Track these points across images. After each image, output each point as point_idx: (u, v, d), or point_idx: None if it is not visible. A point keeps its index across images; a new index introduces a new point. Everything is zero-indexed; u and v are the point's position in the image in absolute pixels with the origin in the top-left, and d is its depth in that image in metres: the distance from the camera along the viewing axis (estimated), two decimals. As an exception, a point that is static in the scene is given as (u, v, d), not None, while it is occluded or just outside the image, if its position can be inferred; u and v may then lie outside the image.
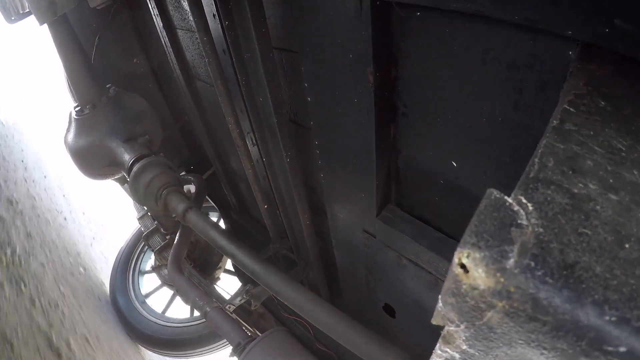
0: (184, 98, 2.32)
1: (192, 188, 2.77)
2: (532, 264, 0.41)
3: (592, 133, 0.52)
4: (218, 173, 2.68)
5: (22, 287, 2.10)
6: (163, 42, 2.11)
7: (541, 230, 0.43)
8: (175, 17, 2.00)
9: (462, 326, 0.46)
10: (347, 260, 1.79)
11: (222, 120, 1.80)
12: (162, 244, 2.79)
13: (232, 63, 1.55)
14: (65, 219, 3.77)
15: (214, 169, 2.77)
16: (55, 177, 4.28)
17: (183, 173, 2.99)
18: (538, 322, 0.40)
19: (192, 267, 2.83)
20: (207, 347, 3.25)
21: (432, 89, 1.02)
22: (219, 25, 1.44)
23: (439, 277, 1.30)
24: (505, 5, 0.69)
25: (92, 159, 2.27)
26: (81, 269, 3.34)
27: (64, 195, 4.22)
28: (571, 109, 0.56)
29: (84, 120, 2.21)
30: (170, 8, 1.98)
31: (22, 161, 3.41)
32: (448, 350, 0.51)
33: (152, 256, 2.99)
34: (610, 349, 0.37)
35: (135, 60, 2.57)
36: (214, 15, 1.43)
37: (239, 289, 2.54)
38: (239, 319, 2.27)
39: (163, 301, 3.57)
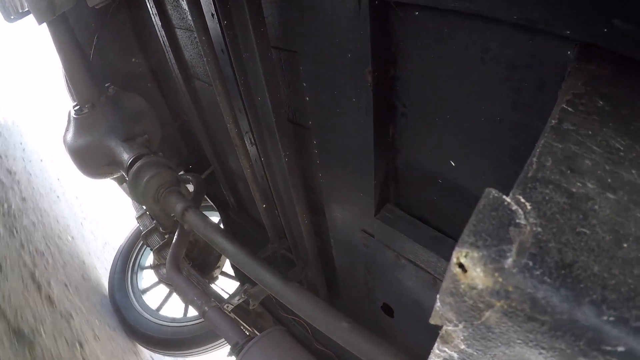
0: (183, 97, 2.31)
1: (190, 187, 2.77)
2: (530, 263, 0.41)
3: (590, 133, 0.52)
4: (216, 172, 2.68)
5: (14, 232, 2.37)
6: (162, 42, 2.11)
7: (539, 229, 0.43)
8: (173, 16, 2.00)
9: (461, 326, 0.46)
10: (345, 260, 1.78)
11: (220, 119, 1.80)
12: (161, 243, 2.79)
13: (231, 62, 1.54)
14: (57, 197, 4.01)
15: (212, 169, 2.77)
16: (52, 164, 4.47)
17: (181, 172, 2.98)
18: (536, 321, 0.40)
19: (191, 266, 2.82)
20: (206, 347, 3.25)
21: (431, 89, 1.01)
22: (218, 25, 1.44)
23: (437, 277, 1.30)
24: (504, 5, 0.69)
25: (91, 159, 2.27)
26: (69, 237, 3.55)
27: (58, 179, 4.43)
28: (569, 109, 0.56)
29: (83, 120, 2.20)
30: (168, 7, 1.98)
31: (21, 143, 3.68)
32: (446, 349, 0.51)
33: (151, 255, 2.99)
34: (608, 348, 0.37)
35: (134, 60, 2.57)
36: (212, 15, 1.43)
37: (237, 289, 2.53)
38: (237, 319, 2.27)
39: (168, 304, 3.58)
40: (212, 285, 3.01)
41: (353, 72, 1.06)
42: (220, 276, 3.27)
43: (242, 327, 2.09)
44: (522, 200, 0.46)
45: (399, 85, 1.09)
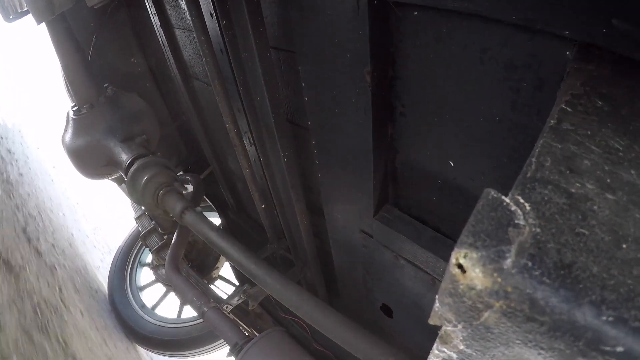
0: (182, 97, 2.31)
1: (189, 187, 2.77)
2: (530, 264, 0.40)
3: (589, 133, 0.52)
4: (215, 173, 2.68)
5: (11, 196, 2.62)
6: (161, 42, 2.11)
7: (538, 230, 0.43)
8: (172, 16, 2.00)
9: (460, 326, 0.46)
10: (344, 260, 1.78)
11: (219, 119, 1.80)
12: (160, 243, 2.78)
13: (230, 62, 1.54)
14: (52, 180, 4.26)
15: (211, 169, 2.77)
16: (48, 152, 4.64)
17: (180, 173, 2.98)
18: (535, 322, 0.40)
19: (190, 267, 2.82)
20: (205, 348, 3.25)
21: (430, 89, 1.01)
22: (217, 25, 1.44)
23: (436, 277, 1.30)
24: (503, 5, 0.69)
25: (90, 159, 2.26)
26: (61, 214, 3.83)
27: (54, 167, 4.61)
28: (568, 109, 0.56)
29: (82, 120, 2.20)
30: (167, 7, 1.98)
31: (20, 131, 3.93)
32: (445, 350, 0.51)
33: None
34: (607, 349, 0.37)
35: (132, 60, 2.57)
36: (211, 15, 1.42)
37: (236, 289, 2.53)
38: (236, 319, 2.26)
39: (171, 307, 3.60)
40: (211, 286, 3.01)
41: (352, 72, 1.06)
42: (219, 280, 3.28)
43: (241, 328, 2.09)
44: (521, 200, 0.46)
45: (398, 85, 1.09)
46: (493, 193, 0.46)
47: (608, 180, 0.47)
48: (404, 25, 0.97)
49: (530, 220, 0.44)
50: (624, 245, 0.41)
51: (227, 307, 2.21)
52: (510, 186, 0.48)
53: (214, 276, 3.18)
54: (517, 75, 0.82)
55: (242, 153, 1.82)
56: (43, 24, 1.91)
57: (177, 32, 2.06)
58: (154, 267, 2.91)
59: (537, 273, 0.40)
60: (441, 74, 0.96)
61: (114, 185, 2.97)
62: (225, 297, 2.32)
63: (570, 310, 0.38)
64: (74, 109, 2.23)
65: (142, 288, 3.63)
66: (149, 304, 3.52)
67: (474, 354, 0.49)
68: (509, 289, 0.40)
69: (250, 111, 1.64)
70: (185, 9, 1.46)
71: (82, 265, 3.48)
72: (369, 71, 1.01)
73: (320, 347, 2.40)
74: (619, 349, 0.36)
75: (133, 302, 3.44)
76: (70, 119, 2.24)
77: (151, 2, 1.93)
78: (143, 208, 2.88)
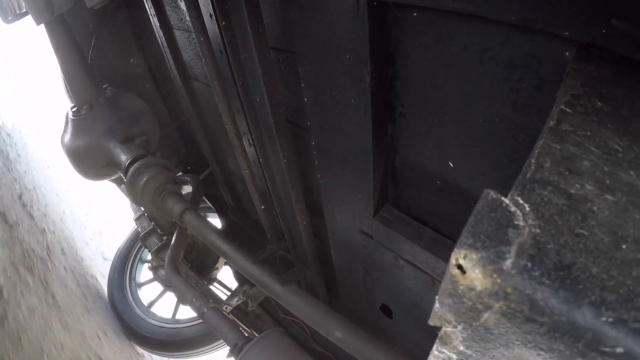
0: (181, 98, 2.31)
1: (188, 188, 2.77)
2: (529, 264, 0.40)
3: (588, 134, 0.52)
4: (215, 173, 2.68)
5: (9, 170, 2.99)
6: (160, 43, 2.11)
7: (538, 231, 0.43)
8: (172, 17, 2.00)
9: (459, 327, 0.46)
10: (344, 260, 1.78)
11: (219, 120, 1.80)
12: (159, 244, 2.78)
13: (229, 63, 1.54)
14: (48, 166, 4.52)
15: (211, 170, 2.77)
16: (44, 140, 4.84)
17: (180, 173, 2.98)
18: (535, 323, 0.40)
19: (189, 268, 2.82)
20: (204, 348, 3.24)
21: (430, 89, 1.01)
22: (216, 26, 1.43)
23: (436, 278, 1.30)
24: (502, 6, 0.69)
25: (89, 160, 2.26)
26: (55, 194, 4.14)
27: (50, 156, 4.77)
28: (568, 110, 0.56)
29: (81, 121, 2.20)
30: (167, 8, 1.98)
31: (19, 124, 4.23)
32: (445, 351, 0.51)
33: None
34: (607, 349, 0.37)
35: (132, 61, 2.56)
36: (210, 16, 1.42)
37: (236, 290, 2.53)
38: (236, 320, 2.26)
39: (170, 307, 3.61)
40: (211, 287, 3.01)
41: (352, 73, 1.06)
42: (217, 284, 3.27)
43: (240, 329, 2.09)
44: (521, 201, 0.45)
45: (398, 86, 1.09)
46: (493, 194, 0.46)
47: (607, 181, 0.47)
48: (404, 26, 0.97)
49: (530, 221, 0.44)
50: (624, 246, 0.41)
51: (226, 308, 2.21)
52: (510, 187, 0.48)
53: (213, 277, 3.18)
54: (517, 75, 0.82)
55: (241, 154, 1.82)
56: (42, 25, 1.91)
57: (177, 33, 2.06)
58: (154, 267, 2.91)
59: (536, 274, 0.40)
60: (441, 74, 0.96)
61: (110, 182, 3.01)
62: (224, 297, 2.32)
63: (570, 311, 0.38)
64: (73, 109, 2.23)
65: (140, 285, 3.64)
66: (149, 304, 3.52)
67: (474, 354, 0.48)
68: (509, 290, 0.40)
69: (249, 112, 1.63)
70: (185, 10, 1.46)
71: (71, 236, 3.76)
72: (368, 71, 1.01)
73: (320, 348, 2.40)
74: (619, 349, 0.36)
75: (134, 305, 3.44)
76: (69, 120, 2.23)
77: (151, 3, 1.93)
78: (142, 209, 2.89)
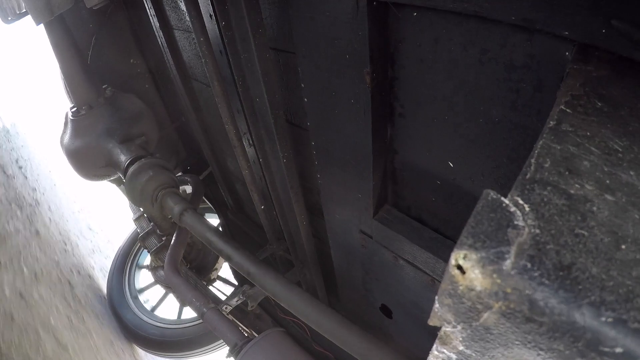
0: (181, 98, 2.31)
1: (188, 188, 2.77)
2: (529, 265, 0.40)
3: (588, 134, 0.52)
4: (215, 174, 2.68)
5: (9, 140, 3.48)
6: (160, 43, 2.11)
7: (538, 231, 0.43)
8: (172, 17, 2.00)
9: (459, 327, 0.46)
10: (344, 261, 1.78)
11: (218, 120, 1.80)
12: (159, 245, 2.78)
13: (229, 64, 1.54)
14: (48, 168, 4.81)
15: (210, 170, 2.77)
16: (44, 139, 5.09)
17: (179, 174, 2.98)
18: (534, 323, 0.40)
19: (189, 268, 2.82)
20: (204, 348, 3.24)
21: (429, 90, 1.01)
22: (216, 26, 1.43)
23: (435, 278, 1.30)
24: (502, 6, 0.69)
25: (88, 160, 2.26)
26: (53, 183, 4.47)
27: (49, 148, 5.02)
28: (568, 110, 0.56)
29: (80, 121, 2.20)
30: (167, 8, 1.98)
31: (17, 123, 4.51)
32: (445, 351, 0.51)
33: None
34: (606, 350, 0.37)
35: (131, 61, 2.57)
36: (210, 16, 1.42)
37: (235, 290, 2.53)
38: (235, 320, 2.26)
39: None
40: (210, 287, 3.00)
41: (351, 73, 1.06)
42: (218, 280, 3.27)
43: (240, 329, 2.08)
44: (521, 201, 0.45)
45: (398, 86, 1.09)
46: (492, 194, 0.46)
47: (607, 182, 0.47)
48: (404, 26, 0.97)
49: (530, 222, 0.44)
50: (623, 246, 0.41)
51: (226, 308, 2.20)
52: (510, 187, 0.48)
53: (213, 277, 3.17)
54: (516, 75, 0.82)
55: (241, 154, 1.82)
56: (42, 25, 1.91)
57: (177, 33, 2.06)
58: (153, 268, 2.91)
59: (536, 274, 0.40)
60: (441, 74, 0.96)
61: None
62: (224, 297, 2.32)
63: (570, 311, 0.38)
64: (73, 110, 2.23)
65: (141, 290, 3.64)
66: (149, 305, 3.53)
67: (474, 354, 0.48)
68: (509, 290, 0.40)
69: (249, 112, 1.63)
70: (185, 10, 1.46)
71: (59, 203, 4.22)
72: (368, 72, 1.01)
73: (320, 348, 2.39)
74: (618, 350, 0.36)
75: (133, 306, 3.44)
76: (69, 120, 2.24)
77: (150, 3, 1.93)
78: (142, 209, 2.88)
